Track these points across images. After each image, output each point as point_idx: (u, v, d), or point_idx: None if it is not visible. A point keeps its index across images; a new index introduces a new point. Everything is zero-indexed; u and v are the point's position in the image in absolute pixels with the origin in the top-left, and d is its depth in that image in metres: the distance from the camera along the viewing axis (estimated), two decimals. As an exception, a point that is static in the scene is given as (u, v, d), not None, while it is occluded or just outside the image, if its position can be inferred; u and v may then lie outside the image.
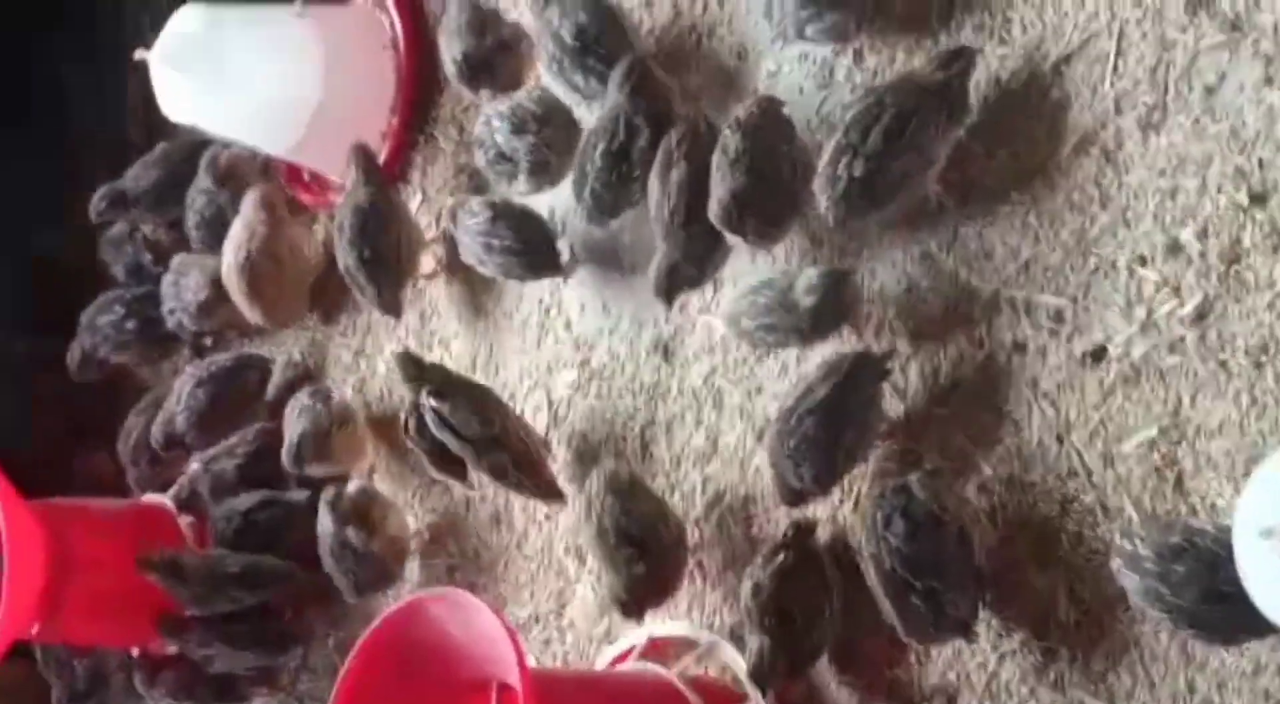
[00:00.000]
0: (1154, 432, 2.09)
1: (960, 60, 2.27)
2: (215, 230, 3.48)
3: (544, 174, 2.78)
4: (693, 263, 2.51)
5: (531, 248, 2.85)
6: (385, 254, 3.05)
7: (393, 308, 3.10)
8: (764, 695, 2.36)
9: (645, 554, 2.49)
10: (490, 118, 2.78)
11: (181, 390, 3.50)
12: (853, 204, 2.27)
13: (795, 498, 2.37)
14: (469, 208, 2.89)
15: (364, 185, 3.06)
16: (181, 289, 3.53)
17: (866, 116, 2.24)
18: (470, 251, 2.90)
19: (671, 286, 2.53)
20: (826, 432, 2.28)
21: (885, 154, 2.23)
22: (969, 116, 2.30)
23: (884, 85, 2.31)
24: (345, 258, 3.07)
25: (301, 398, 3.23)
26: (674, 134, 2.50)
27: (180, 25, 3.14)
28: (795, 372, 2.52)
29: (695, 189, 2.44)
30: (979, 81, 2.31)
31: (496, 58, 2.92)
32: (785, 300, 2.39)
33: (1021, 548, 2.23)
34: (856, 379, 2.29)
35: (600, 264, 2.88)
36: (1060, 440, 2.20)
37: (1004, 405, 2.26)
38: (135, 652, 3.57)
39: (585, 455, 2.87)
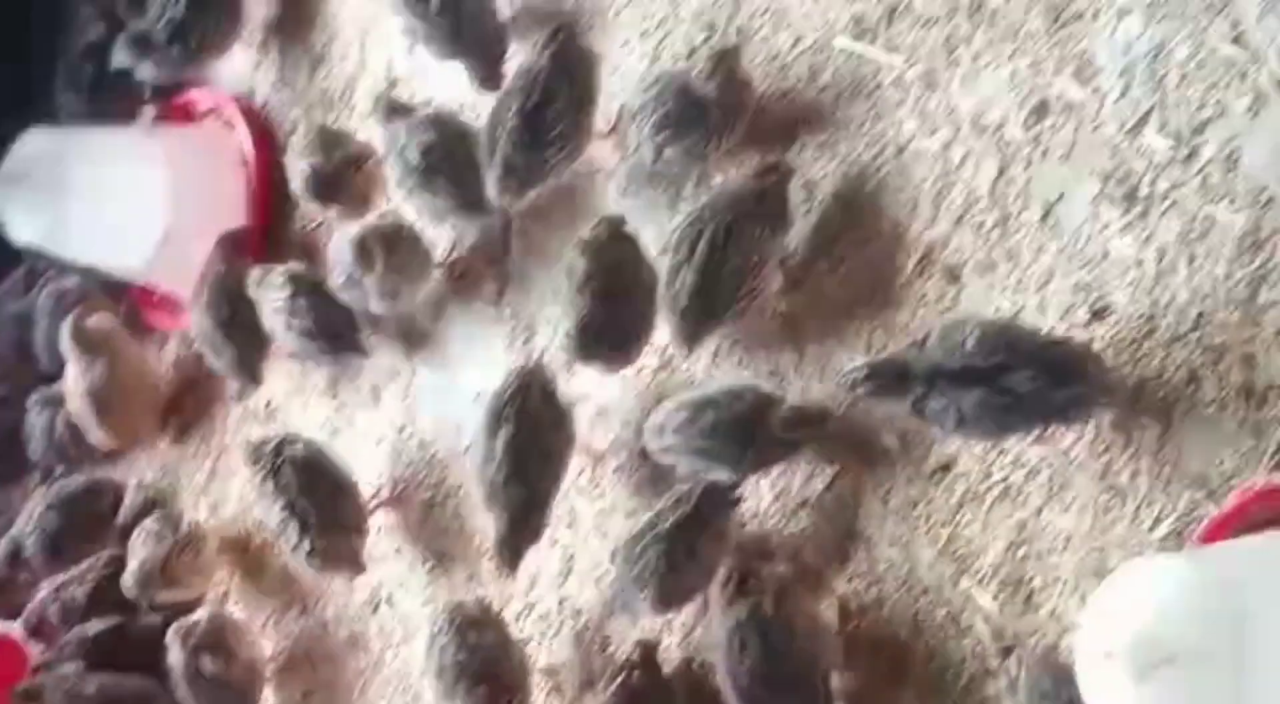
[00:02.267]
0: (1002, 546, 2.10)
1: (775, 171, 2.31)
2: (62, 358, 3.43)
3: (394, 299, 2.75)
4: (527, 522, 2.47)
5: (329, 331, 2.83)
6: (243, 316, 3.00)
7: (251, 374, 3.06)
8: None
9: (487, 688, 2.46)
10: (339, 242, 2.76)
11: (31, 514, 3.43)
12: (695, 320, 2.29)
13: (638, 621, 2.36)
14: (270, 280, 2.87)
15: (221, 263, 3.04)
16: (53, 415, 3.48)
17: (691, 232, 2.27)
18: (270, 325, 2.87)
19: (513, 556, 2.48)
20: (669, 561, 2.26)
21: (713, 263, 2.25)
22: (791, 225, 2.33)
23: (705, 201, 2.33)
24: (201, 321, 3.03)
25: (149, 523, 3.17)
26: (505, 389, 2.47)
27: (25, 148, 3.09)
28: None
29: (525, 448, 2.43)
30: (823, 195, 2.33)
31: (345, 175, 2.91)
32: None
33: (876, 666, 2.22)
34: (704, 510, 2.28)
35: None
36: (911, 556, 2.20)
37: (854, 522, 2.26)
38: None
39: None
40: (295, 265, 2.93)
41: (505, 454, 2.41)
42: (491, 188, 2.55)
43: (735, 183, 2.34)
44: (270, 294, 2.87)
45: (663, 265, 2.33)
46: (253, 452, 2.82)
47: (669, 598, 2.30)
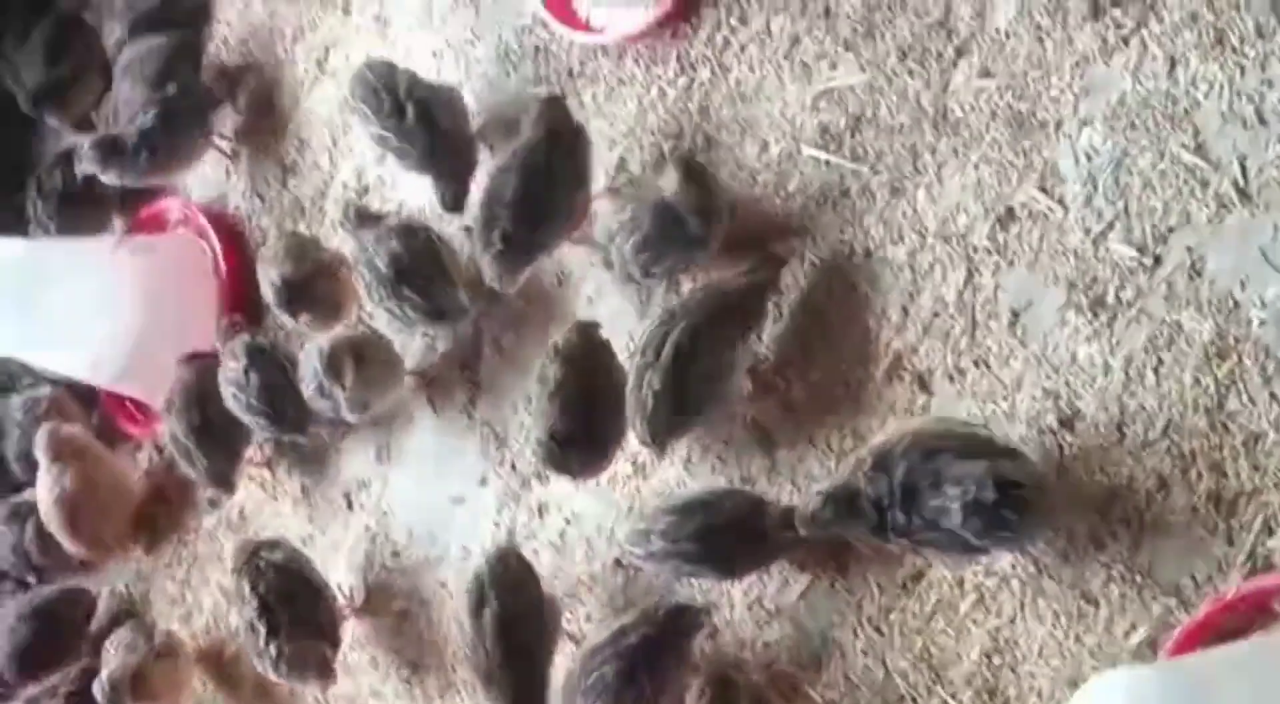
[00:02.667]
0: (975, 655, 2.09)
1: (766, 266, 2.33)
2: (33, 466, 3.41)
3: (364, 410, 2.75)
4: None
5: (275, 409, 2.84)
6: (215, 422, 3.00)
7: (224, 481, 3.04)
8: None
9: None
10: (311, 354, 2.75)
11: (2, 626, 3.40)
12: (662, 421, 2.29)
13: None
14: (231, 348, 2.88)
15: (189, 367, 3.04)
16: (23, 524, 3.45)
17: (658, 334, 2.27)
18: (222, 392, 2.89)
19: None
20: (623, 678, 2.25)
21: (680, 363, 2.25)
22: (765, 324, 2.34)
23: (675, 304, 2.34)
24: (174, 427, 3.02)
25: (122, 633, 3.14)
26: (487, 571, 2.46)
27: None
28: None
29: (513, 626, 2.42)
30: (792, 301, 2.34)
31: (315, 283, 2.89)
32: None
33: (852, 776, 2.21)
34: (669, 631, 2.28)
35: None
36: (885, 665, 2.19)
37: (828, 631, 2.25)
38: None
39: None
40: (259, 340, 2.92)
41: (495, 637, 2.39)
42: (489, 268, 2.51)
43: (704, 287, 2.35)
44: (228, 362, 2.88)
45: (631, 368, 2.33)
46: (235, 553, 2.82)
47: None
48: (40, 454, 3.29)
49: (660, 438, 2.31)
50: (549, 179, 2.49)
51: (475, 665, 2.43)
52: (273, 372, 2.87)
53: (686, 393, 2.28)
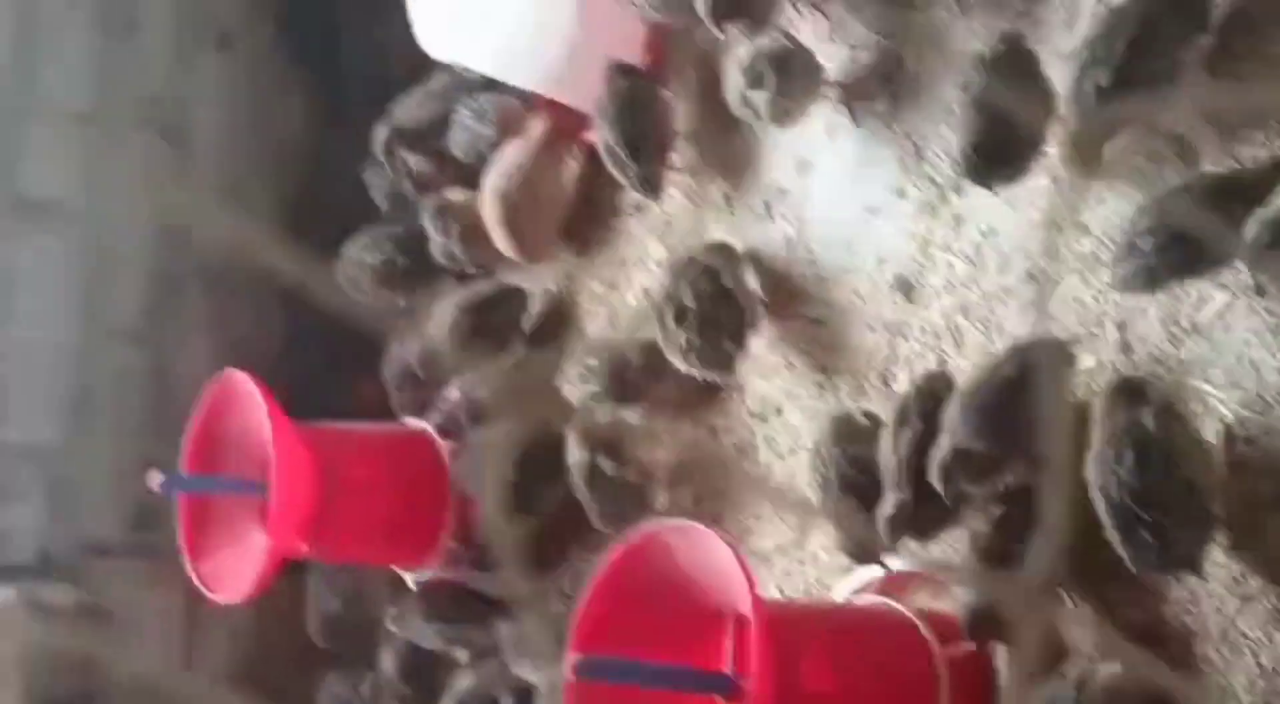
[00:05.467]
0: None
1: None
2: (477, 167, 3.57)
3: (785, 119, 2.80)
4: None
5: None
6: (644, 130, 3.11)
7: (651, 186, 3.14)
8: None
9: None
10: (731, 63, 2.80)
11: (443, 318, 3.60)
12: (1104, 119, 2.28)
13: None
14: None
15: (621, 76, 3.14)
16: (448, 224, 3.63)
17: (1105, 33, 2.26)
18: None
19: None
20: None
21: (1130, 61, 2.23)
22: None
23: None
24: (605, 135, 3.12)
25: None
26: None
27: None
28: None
29: None
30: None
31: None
32: None
33: (1260, 492, 2.20)
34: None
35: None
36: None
37: (1244, 349, 2.23)
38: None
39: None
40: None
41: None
42: None
43: None
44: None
45: (1071, 66, 2.31)
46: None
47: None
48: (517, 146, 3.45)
49: (1100, 138, 2.30)
50: None
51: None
52: None
53: (1134, 92, 2.25)
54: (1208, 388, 2.27)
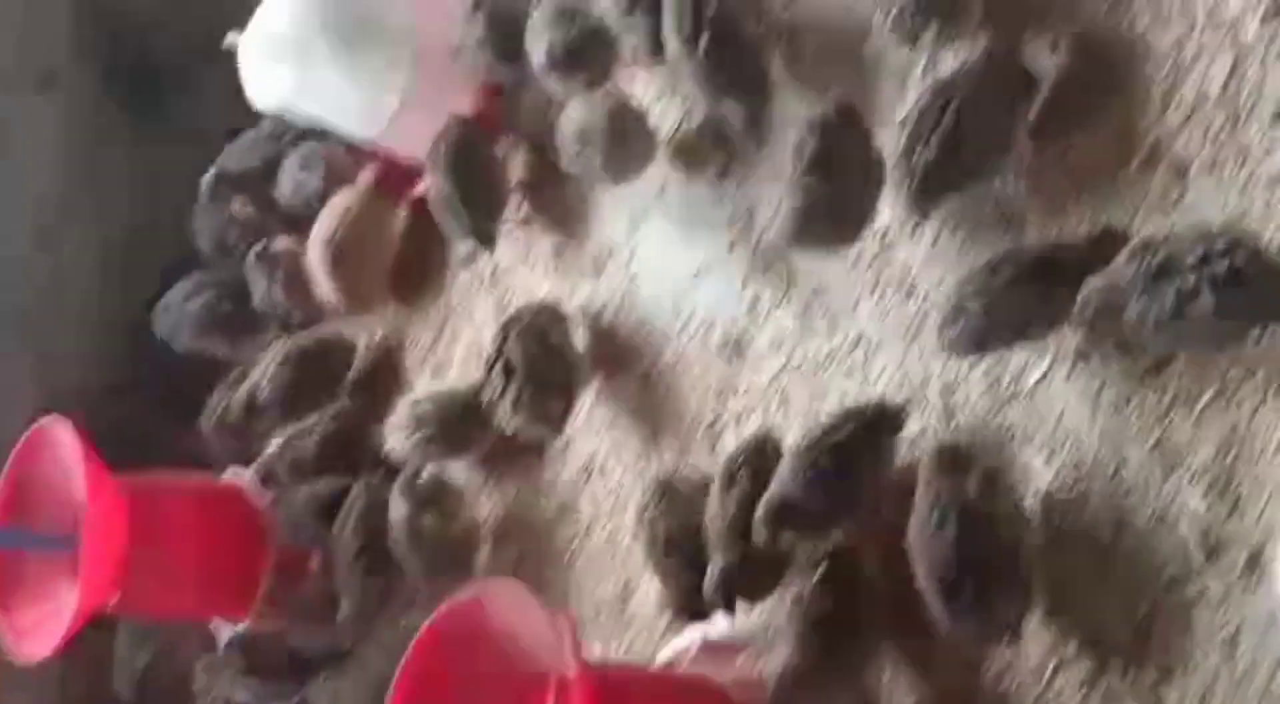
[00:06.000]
0: (1212, 450, 2.07)
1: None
2: (304, 214, 3.53)
3: (619, 179, 2.85)
4: None
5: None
6: (480, 184, 3.10)
7: (485, 237, 3.12)
8: None
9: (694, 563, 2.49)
10: (566, 121, 2.82)
11: (268, 365, 3.55)
12: (934, 189, 2.29)
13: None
14: None
15: (456, 127, 3.12)
16: (273, 271, 3.59)
17: (935, 104, 2.27)
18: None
19: None
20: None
21: (958, 132, 2.25)
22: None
23: (945, 77, 2.34)
24: (438, 183, 3.10)
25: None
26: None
27: (270, 12, 3.18)
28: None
29: None
30: (1051, 84, 2.32)
31: (586, 48, 2.88)
32: None
33: (1078, 561, 2.21)
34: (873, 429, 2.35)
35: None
36: (1119, 454, 2.19)
37: (1063, 417, 2.26)
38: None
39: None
40: None
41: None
42: None
43: (978, 60, 2.33)
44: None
45: (899, 136, 2.32)
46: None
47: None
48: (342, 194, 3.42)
49: (928, 206, 2.32)
50: None
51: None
52: None
53: (961, 162, 2.28)
54: (1029, 454, 2.29)
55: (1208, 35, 2.14)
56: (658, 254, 2.95)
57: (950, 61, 2.43)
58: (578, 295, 3.09)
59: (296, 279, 3.53)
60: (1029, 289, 2.17)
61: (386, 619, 3.34)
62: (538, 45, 2.91)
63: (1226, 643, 2.01)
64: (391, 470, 3.23)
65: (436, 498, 3.13)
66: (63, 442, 3.21)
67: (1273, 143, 2.06)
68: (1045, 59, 2.33)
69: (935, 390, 2.42)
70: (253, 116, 3.64)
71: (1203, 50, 2.15)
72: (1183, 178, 2.15)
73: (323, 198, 3.49)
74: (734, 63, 2.65)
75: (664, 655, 2.66)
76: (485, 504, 3.22)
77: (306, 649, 3.48)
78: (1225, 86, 2.11)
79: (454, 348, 3.38)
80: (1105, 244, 2.15)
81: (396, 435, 3.12)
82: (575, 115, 2.81)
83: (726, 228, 2.78)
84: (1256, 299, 1.91)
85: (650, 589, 2.82)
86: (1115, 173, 2.23)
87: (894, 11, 2.37)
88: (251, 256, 3.63)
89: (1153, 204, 2.18)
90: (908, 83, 2.51)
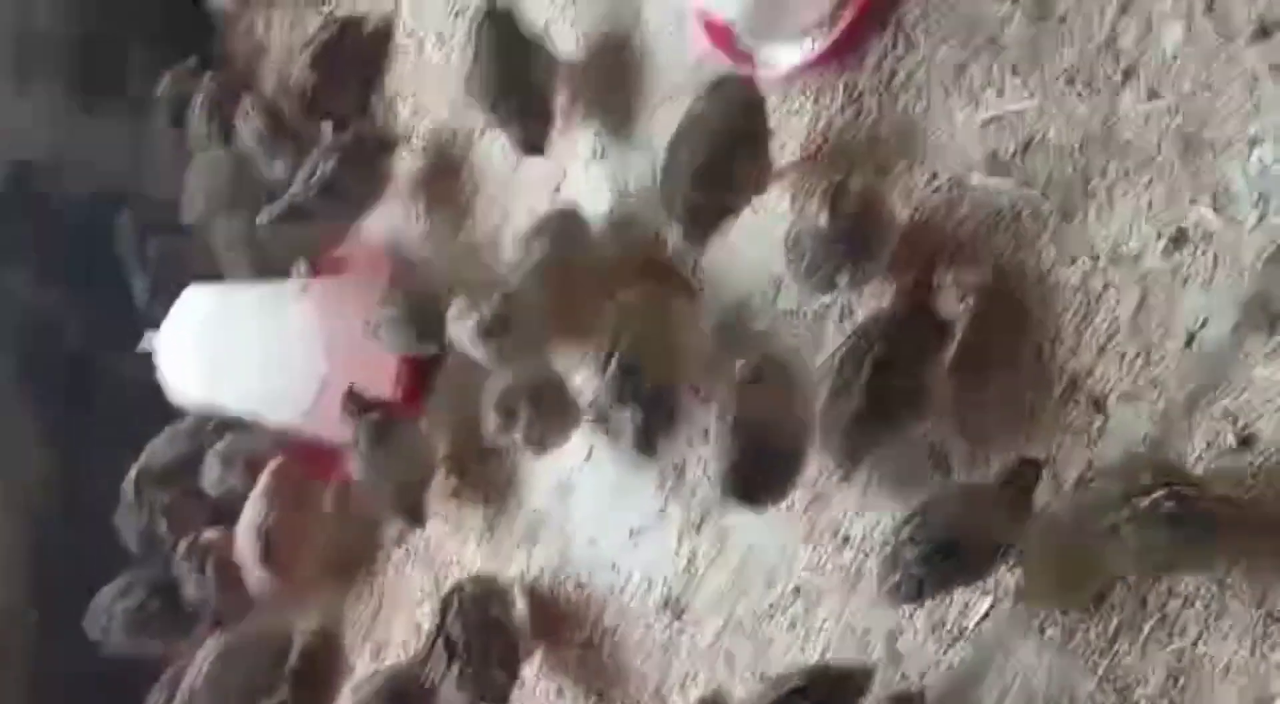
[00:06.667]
0: (1161, 677, 2.08)
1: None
2: (230, 505, 3.51)
3: (542, 450, 2.85)
4: None
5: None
6: (404, 460, 3.12)
7: (414, 515, 3.12)
8: None
9: None
10: (488, 395, 2.84)
11: (202, 664, 3.49)
12: (861, 440, 2.30)
13: None
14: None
15: (364, 410, 3.13)
16: (203, 563, 3.55)
17: (854, 354, 2.29)
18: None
19: None
20: None
21: (880, 382, 2.26)
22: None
23: (862, 325, 2.36)
24: (363, 464, 3.12)
25: None
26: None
27: (185, 309, 3.21)
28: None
29: None
30: (964, 326, 2.36)
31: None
32: None
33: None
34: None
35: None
36: (1068, 689, 2.18)
37: (1010, 653, 2.26)
38: None
39: None
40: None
41: None
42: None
43: (889, 309, 2.38)
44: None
45: (821, 390, 2.33)
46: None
47: None
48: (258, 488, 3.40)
49: (856, 457, 2.33)
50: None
51: None
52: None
53: (885, 412, 2.29)
54: (981, 694, 2.28)
55: (1112, 270, 2.19)
56: (592, 518, 2.95)
57: (862, 308, 2.48)
58: (514, 564, 3.08)
59: (227, 570, 3.49)
60: (963, 532, 2.18)
61: None
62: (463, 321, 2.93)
63: None
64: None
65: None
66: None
67: (1187, 370, 2.10)
68: (955, 305, 2.37)
69: (880, 637, 2.41)
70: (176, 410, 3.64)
71: (1109, 284, 2.19)
72: (1101, 409, 2.18)
73: (247, 488, 3.46)
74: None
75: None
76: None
77: None
78: (1135, 317, 2.16)
79: (392, 626, 3.35)
80: (1025, 473, 2.18)
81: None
82: (496, 388, 2.83)
83: (657, 488, 2.79)
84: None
85: None
86: (1036, 407, 2.26)
87: (805, 263, 2.40)
88: (180, 550, 3.59)
89: (1076, 435, 2.21)
90: (824, 332, 2.55)
